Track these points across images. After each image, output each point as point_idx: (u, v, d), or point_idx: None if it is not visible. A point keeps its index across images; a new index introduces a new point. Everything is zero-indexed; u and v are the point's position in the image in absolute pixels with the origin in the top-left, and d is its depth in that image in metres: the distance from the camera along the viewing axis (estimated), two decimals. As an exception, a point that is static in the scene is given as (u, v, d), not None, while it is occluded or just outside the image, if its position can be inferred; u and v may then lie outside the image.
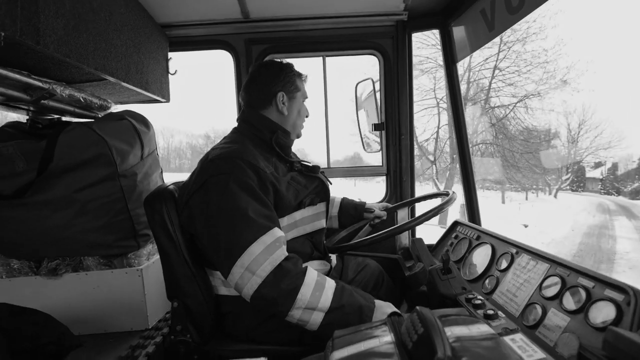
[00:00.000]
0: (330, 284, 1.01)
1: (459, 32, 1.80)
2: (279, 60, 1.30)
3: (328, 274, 1.28)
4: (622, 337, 0.51)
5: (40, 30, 0.96)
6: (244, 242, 0.95)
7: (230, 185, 1.00)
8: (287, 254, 1.00)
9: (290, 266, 0.97)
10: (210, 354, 1.15)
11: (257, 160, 1.09)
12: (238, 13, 1.81)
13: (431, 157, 13.28)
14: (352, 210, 1.63)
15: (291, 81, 1.26)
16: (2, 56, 1.03)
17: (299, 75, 1.31)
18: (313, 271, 1.02)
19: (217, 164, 1.06)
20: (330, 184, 1.44)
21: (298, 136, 1.35)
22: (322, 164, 1.98)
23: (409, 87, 1.99)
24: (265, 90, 1.24)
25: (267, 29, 1.93)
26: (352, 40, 1.97)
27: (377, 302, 1.03)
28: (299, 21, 1.90)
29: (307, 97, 1.35)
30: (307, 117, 1.37)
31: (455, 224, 1.64)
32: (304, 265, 1.04)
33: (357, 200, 1.73)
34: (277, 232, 1.00)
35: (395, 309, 1.01)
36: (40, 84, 1.19)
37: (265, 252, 0.95)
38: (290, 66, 1.29)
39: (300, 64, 1.36)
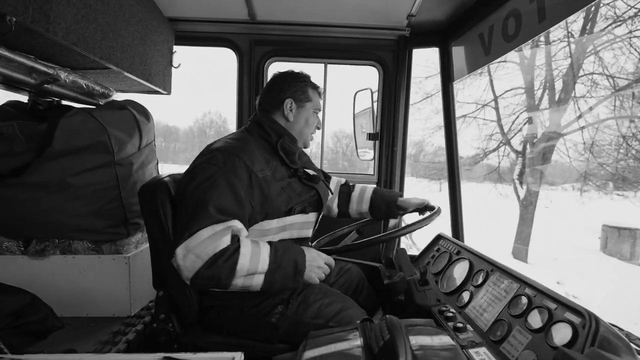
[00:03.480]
0: (265, 248, 1.05)
1: (457, 53, 1.86)
2: (297, 71, 1.34)
3: None
4: (568, 357, 0.56)
5: (50, 18, 0.98)
6: (198, 227, 0.97)
7: (215, 176, 1.05)
8: (230, 242, 1.01)
9: (229, 247, 1.00)
10: (190, 344, 1.18)
11: (254, 162, 1.13)
12: (245, 14, 1.85)
13: (518, 148, 8.15)
14: (384, 207, 1.56)
15: (302, 90, 1.29)
16: (11, 39, 1.05)
17: (314, 86, 1.33)
18: (247, 241, 1.05)
19: (214, 154, 1.10)
20: (331, 193, 1.46)
21: (305, 146, 1.36)
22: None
23: (405, 100, 2.04)
24: (276, 95, 1.29)
25: (272, 31, 1.97)
26: (355, 50, 2.02)
27: (305, 248, 1.11)
28: (304, 27, 1.94)
29: (319, 109, 1.36)
30: (318, 128, 1.38)
31: (438, 237, 1.69)
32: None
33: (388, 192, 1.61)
34: (232, 223, 1.02)
35: (325, 259, 1.13)
36: (45, 68, 1.21)
37: (212, 237, 0.98)
38: (304, 76, 1.32)
39: (302, 69, 1.38)
